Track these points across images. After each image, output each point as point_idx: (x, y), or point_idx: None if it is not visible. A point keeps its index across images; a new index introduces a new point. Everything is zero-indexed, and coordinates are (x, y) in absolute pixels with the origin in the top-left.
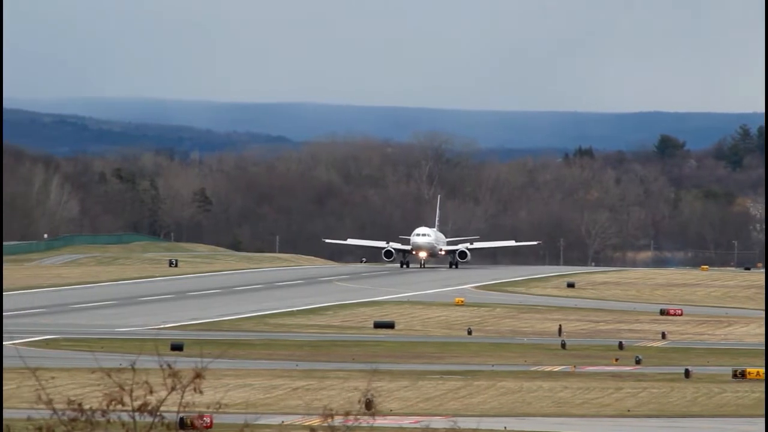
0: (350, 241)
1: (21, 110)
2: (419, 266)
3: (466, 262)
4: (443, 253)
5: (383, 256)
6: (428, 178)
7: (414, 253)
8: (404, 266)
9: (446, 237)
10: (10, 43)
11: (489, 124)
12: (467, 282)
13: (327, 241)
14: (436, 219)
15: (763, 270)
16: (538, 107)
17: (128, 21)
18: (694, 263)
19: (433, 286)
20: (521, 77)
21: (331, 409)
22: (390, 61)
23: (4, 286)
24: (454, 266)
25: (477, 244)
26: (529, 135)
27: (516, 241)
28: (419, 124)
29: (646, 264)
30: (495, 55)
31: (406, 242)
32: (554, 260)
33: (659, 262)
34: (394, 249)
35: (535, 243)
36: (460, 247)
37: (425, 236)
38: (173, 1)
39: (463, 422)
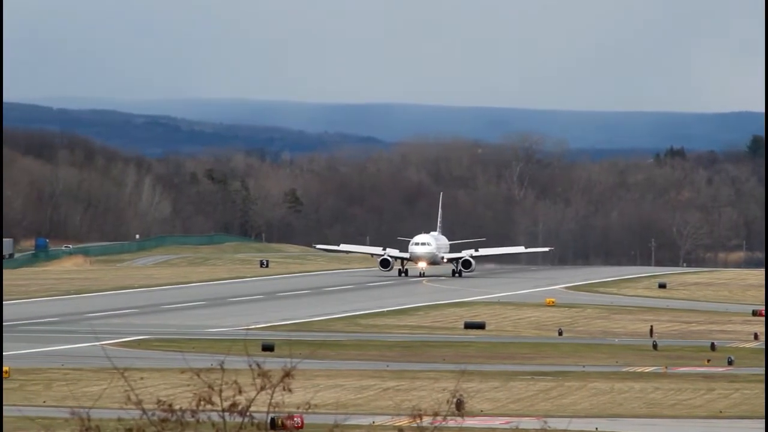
0: (343, 247)
1: (114, 111)
2: (419, 275)
3: (471, 271)
4: (445, 261)
5: (379, 266)
6: (519, 178)
7: (414, 262)
8: (402, 275)
9: (449, 241)
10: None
11: (580, 124)
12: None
13: (318, 247)
14: (438, 221)
15: None
16: (630, 107)
17: (221, 23)
18: None
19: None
20: (613, 77)
21: (420, 410)
22: (481, 61)
23: (98, 287)
24: (457, 275)
25: (483, 251)
26: (620, 135)
27: (526, 248)
28: (510, 124)
29: (738, 265)
30: (588, 55)
31: (405, 245)
32: (645, 261)
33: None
34: (392, 257)
35: (546, 249)
36: (464, 255)
37: (425, 245)
38: (267, 4)
39: (554, 423)
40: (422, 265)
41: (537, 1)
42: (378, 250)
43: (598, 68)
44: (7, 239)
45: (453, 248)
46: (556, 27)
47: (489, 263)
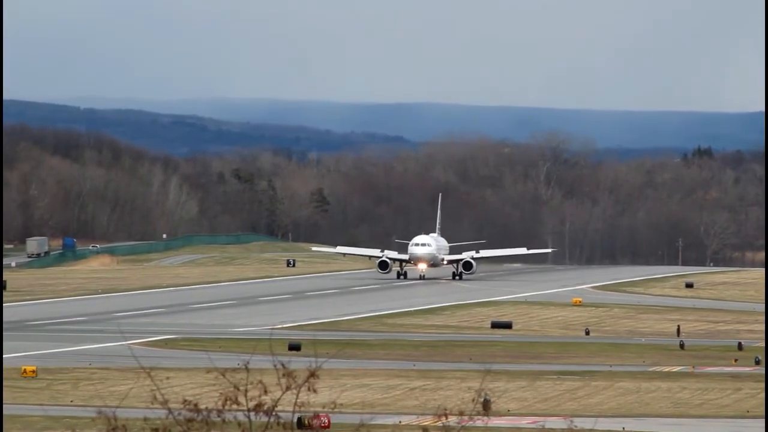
0: (340, 249)
1: (141, 111)
2: (419, 278)
3: (472, 273)
4: (445, 262)
5: (378, 268)
6: (546, 178)
7: (413, 263)
8: (401, 278)
9: (450, 243)
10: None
11: (607, 124)
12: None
13: (314, 249)
14: (437, 223)
15: None
16: (658, 107)
17: (249, 23)
18: None
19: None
20: (641, 76)
21: (446, 409)
22: (509, 60)
23: (125, 287)
24: (458, 278)
25: (483, 252)
26: (648, 135)
27: (528, 249)
28: (538, 123)
29: (765, 264)
30: (617, 55)
31: (404, 247)
32: (672, 260)
33: None
34: (390, 259)
35: (549, 251)
36: (465, 256)
37: (425, 246)
38: (295, 3)
39: (581, 422)
40: (422, 266)
41: (566, 0)
42: (376, 252)
43: (627, 68)
44: (42, 238)
45: (453, 250)
46: (585, 26)
47: (515, 263)
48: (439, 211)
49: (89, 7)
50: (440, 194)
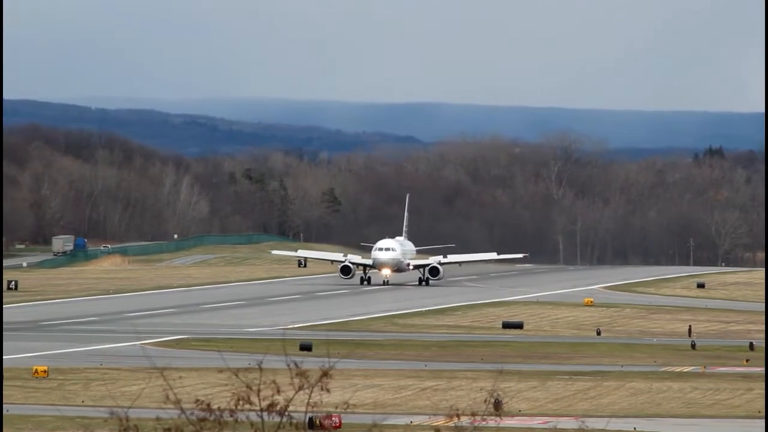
0: (301, 253)
1: (153, 111)
2: (382, 284)
3: (439, 279)
4: (411, 267)
5: (340, 273)
6: (557, 177)
7: (377, 268)
8: (365, 283)
9: (415, 247)
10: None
11: (619, 124)
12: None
13: (275, 252)
14: (404, 225)
15: None
16: (671, 106)
17: (260, 23)
18: None
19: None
20: (653, 76)
21: (458, 410)
22: (520, 60)
23: (136, 287)
24: (424, 283)
25: (451, 257)
26: (659, 134)
27: (498, 254)
28: (549, 123)
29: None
30: (629, 54)
31: (368, 250)
32: (684, 260)
33: None
34: (353, 263)
35: (520, 255)
36: (432, 261)
37: (389, 251)
38: (306, 3)
39: (593, 423)
40: (386, 272)
41: (577, 0)
42: (339, 256)
43: (638, 68)
44: (67, 236)
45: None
46: (596, 26)
47: (525, 263)
48: (406, 213)
49: (101, 7)
50: (407, 195)
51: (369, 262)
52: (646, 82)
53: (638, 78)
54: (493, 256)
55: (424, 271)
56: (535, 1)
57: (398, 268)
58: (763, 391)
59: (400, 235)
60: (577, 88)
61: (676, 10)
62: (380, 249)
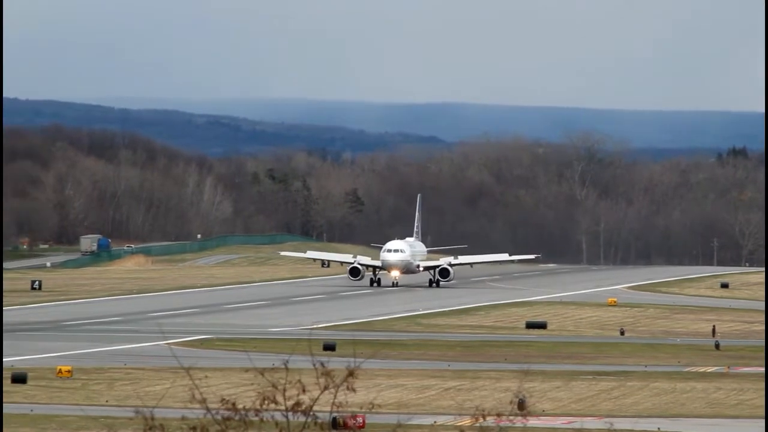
0: (310, 254)
1: (176, 111)
2: (392, 285)
3: (449, 281)
4: (421, 269)
5: (349, 274)
6: (580, 178)
7: (387, 270)
8: (374, 285)
9: (426, 247)
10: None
11: (642, 124)
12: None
13: (283, 254)
14: (415, 225)
15: None
16: (692, 107)
17: (282, 23)
18: None
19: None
20: (676, 76)
21: (482, 410)
22: (544, 60)
23: (159, 287)
24: (435, 285)
25: (462, 258)
26: (682, 134)
27: (510, 254)
28: (572, 123)
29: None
30: (652, 54)
31: (378, 252)
32: (707, 261)
33: None
34: (362, 265)
35: (532, 257)
36: (442, 263)
37: (398, 252)
38: (329, 3)
39: (617, 423)
40: (395, 273)
41: (601, 1)
42: (348, 257)
43: (661, 68)
44: (94, 235)
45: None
46: (619, 25)
47: (548, 264)
48: (417, 213)
49: (125, 7)
50: (419, 195)
51: (377, 263)
52: (668, 82)
53: (660, 78)
54: (505, 257)
55: (434, 272)
56: (557, 2)
57: (407, 269)
58: None
59: (411, 236)
60: (599, 88)
61: (699, 9)
62: (389, 250)
